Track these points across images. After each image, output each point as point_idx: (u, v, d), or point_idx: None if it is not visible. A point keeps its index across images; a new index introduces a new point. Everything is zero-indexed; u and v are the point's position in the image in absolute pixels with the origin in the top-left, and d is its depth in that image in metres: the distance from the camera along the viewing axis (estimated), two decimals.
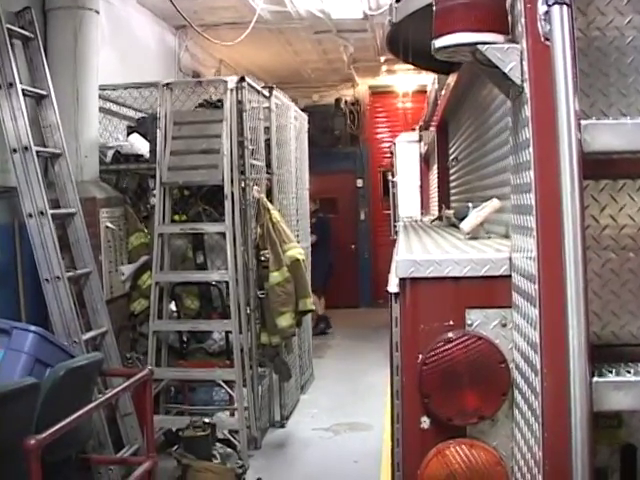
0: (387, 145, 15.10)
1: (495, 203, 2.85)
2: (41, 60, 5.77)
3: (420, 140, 9.64)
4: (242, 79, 6.81)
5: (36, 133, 5.57)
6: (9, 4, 5.68)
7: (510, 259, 2.20)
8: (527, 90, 1.87)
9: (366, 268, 15.71)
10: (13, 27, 5.52)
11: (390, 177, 12.17)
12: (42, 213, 5.21)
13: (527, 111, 1.88)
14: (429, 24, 2.31)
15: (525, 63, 1.88)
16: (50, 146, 5.72)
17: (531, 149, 1.86)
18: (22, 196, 5.21)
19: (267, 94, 7.64)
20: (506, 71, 1.90)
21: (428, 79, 13.37)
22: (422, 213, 9.97)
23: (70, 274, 5.40)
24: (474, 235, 2.97)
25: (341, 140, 15.58)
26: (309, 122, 10.06)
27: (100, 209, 6.36)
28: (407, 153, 10.59)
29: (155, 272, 6.57)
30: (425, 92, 12.54)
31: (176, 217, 6.94)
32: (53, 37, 6.41)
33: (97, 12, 6.69)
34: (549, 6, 1.78)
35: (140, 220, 7.04)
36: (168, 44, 10.23)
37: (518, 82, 1.90)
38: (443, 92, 5.35)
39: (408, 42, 3.89)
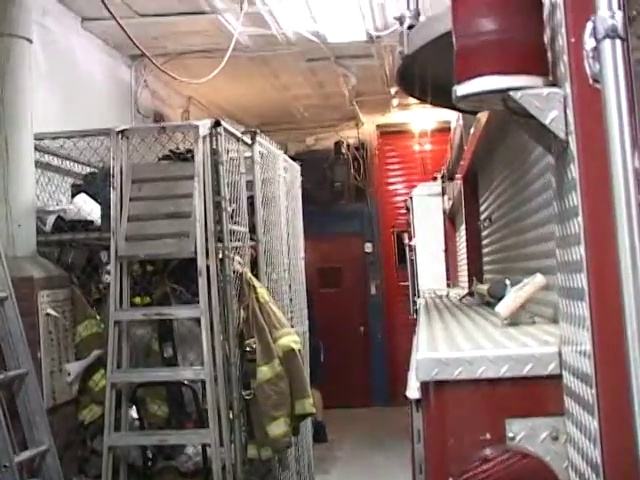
0: (402, 199, 15.15)
1: (539, 280, 2.89)
2: None
3: (443, 193, 9.72)
4: (217, 123, 6.86)
5: None
6: None
7: (560, 354, 2.23)
8: (573, 145, 1.92)
9: (379, 356, 15.66)
10: None
11: (407, 240, 12.21)
12: None
13: (574, 171, 1.93)
14: (450, 53, 2.36)
15: (570, 112, 1.93)
16: None
17: (580, 219, 1.90)
18: None
19: (249, 141, 7.72)
20: (546, 123, 1.95)
21: (450, 115, 13.55)
22: (448, 285, 9.99)
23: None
24: (514, 320, 3.00)
25: (344, 194, 15.68)
26: (303, 173, 10.14)
27: (39, 292, 6.34)
28: (427, 209, 10.67)
29: (111, 371, 6.50)
30: (447, 131, 12.70)
31: (137, 300, 6.92)
32: None
33: (30, 41, 6.77)
34: (598, 40, 1.81)
35: (91, 304, 7.03)
36: (122, 79, 10.39)
37: (562, 136, 1.95)
38: (471, 134, 5.43)
39: (425, 77, 3.98)
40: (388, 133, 16.12)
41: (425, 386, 2.27)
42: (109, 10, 6.22)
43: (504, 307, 2.97)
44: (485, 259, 5.95)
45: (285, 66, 11.39)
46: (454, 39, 2.08)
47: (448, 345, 2.60)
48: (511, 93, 1.96)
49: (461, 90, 2.02)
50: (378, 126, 15.91)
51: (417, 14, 3.72)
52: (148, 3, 8.84)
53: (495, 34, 1.96)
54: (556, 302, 2.97)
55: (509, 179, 4.31)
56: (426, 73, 3.79)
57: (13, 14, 6.59)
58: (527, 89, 1.96)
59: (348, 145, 15.70)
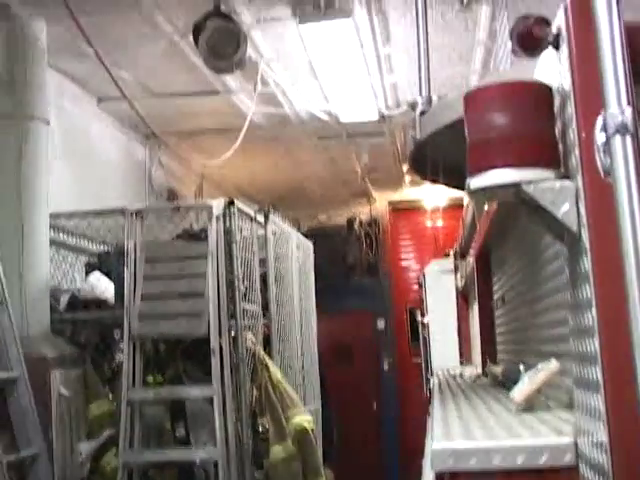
0: (415, 275, 15.16)
1: (553, 366, 2.89)
2: None
3: (456, 270, 9.72)
4: (231, 203, 6.93)
5: None
6: None
7: (576, 445, 2.22)
8: (585, 238, 1.95)
9: (392, 435, 15.48)
10: None
11: (419, 317, 12.17)
12: None
13: (587, 263, 1.95)
14: (461, 138, 2.40)
15: (582, 205, 1.96)
16: None
17: (594, 311, 1.92)
18: None
19: (262, 220, 7.77)
20: (559, 216, 1.98)
21: (463, 192, 13.56)
22: (462, 362, 9.93)
23: (10, 458, 5.36)
24: (528, 405, 3.00)
25: (356, 270, 15.70)
26: (315, 250, 10.18)
27: (51, 371, 6.35)
28: (440, 286, 10.65)
29: (123, 450, 6.49)
30: (459, 207, 12.73)
31: (150, 379, 6.90)
32: None
33: (47, 122, 6.91)
34: (609, 136, 1.85)
35: (103, 383, 7.02)
36: (136, 157, 10.51)
37: (574, 228, 1.98)
38: (483, 214, 5.46)
39: (437, 160, 4.03)
40: (400, 209, 16.18)
41: (440, 477, 2.27)
42: (122, 92, 6.28)
43: (518, 392, 2.97)
44: (499, 339, 5.94)
45: (298, 144, 11.51)
46: (466, 133, 2.12)
47: (463, 433, 2.59)
48: (523, 186, 1.99)
49: (474, 183, 2.06)
50: (390, 202, 15.98)
51: (429, 100, 3.78)
52: (163, 83, 8.97)
53: (507, 128, 2.00)
54: (571, 387, 2.97)
55: (522, 260, 4.33)
56: (438, 157, 3.84)
57: (31, 97, 6.73)
58: (539, 182, 1.99)
59: (360, 221, 15.76)
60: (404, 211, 16.17)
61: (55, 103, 7.99)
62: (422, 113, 3.79)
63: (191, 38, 6.91)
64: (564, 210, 1.99)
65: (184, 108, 9.66)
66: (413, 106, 3.84)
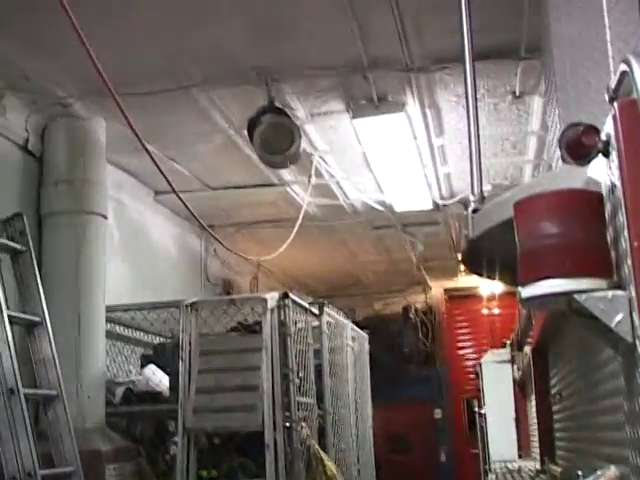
0: (472, 364, 14.98)
1: (612, 473, 2.80)
2: (34, 278, 5.96)
3: (512, 361, 9.58)
4: (285, 295, 6.94)
5: (26, 370, 5.68)
6: None
7: None
8: None
9: None
10: None
11: (477, 407, 11.98)
12: (30, 475, 5.21)
13: None
14: (511, 235, 2.36)
15: (636, 315, 1.93)
16: (43, 386, 5.80)
17: None
18: (4, 454, 5.23)
19: (317, 312, 7.77)
20: (612, 326, 1.95)
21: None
22: (520, 455, 9.73)
23: None
24: None
25: (412, 359, 15.58)
26: (371, 339, 10.15)
27: (106, 465, 6.34)
28: (497, 376, 10.47)
29: None
30: (515, 294, 12.59)
31: (204, 473, 6.85)
32: (50, 248, 6.75)
33: (105, 217, 7.03)
34: None
35: (158, 477, 6.99)
36: (192, 248, 10.61)
37: (629, 339, 1.94)
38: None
39: (490, 258, 4.00)
40: (456, 297, 16.09)
41: None
42: (174, 191, 6.39)
43: None
44: (557, 435, 5.81)
45: (352, 234, 11.57)
46: (517, 242, 2.11)
47: None
48: (575, 296, 1.96)
49: (525, 293, 2.04)
50: (446, 290, 15.92)
51: (482, 198, 3.77)
52: (218, 177, 9.11)
53: (558, 238, 1.99)
54: None
55: (578, 358, 4.24)
56: (492, 255, 3.81)
57: (90, 193, 6.87)
58: (591, 292, 1.96)
59: (416, 309, 15.70)
60: (460, 299, 16.08)
61: (113, 196, 8.15)
62: (474, 211, 3.77)
63: (246, 132, 7.00)
64: (617, 320, 1.95)
65: (240, 200, 9.78)
66: (465, 204, 3.83)
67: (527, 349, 7.39)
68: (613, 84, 2.15)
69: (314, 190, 9.27)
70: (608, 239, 2.07)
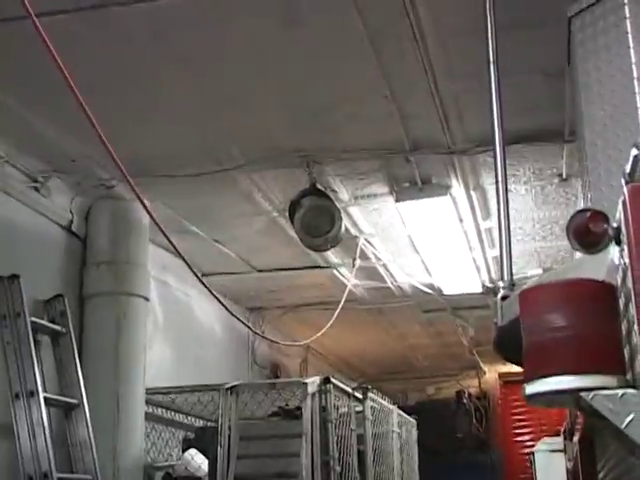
0: (528, 451, 14.63)
1: None
2: (73, 359, 5.99)
3: (565, 451, 9.30)
4: (326, 380, 6.83)
5: (61, 454, 5.64)
6: (38, 290, 6.03)
7: None
8: None
9: None
10: (40, 320, 5.80)
11: None
12: None
13: None
14: None
15: None
16: (79, 470, 5.77)
17: None
18: None
19: (360, 396, 7.63)
20: (622, 427, 1.81)
21: None
22: None
23: None
24: None
25: (466, 445, 15.22)
26: (423, 424, 9.96)
27: None
28: (550, 466, 10.19)
29: None
30: None
31: None
32: (90, 329, 6.76)
33: (147, 299, 7.03)
34: None
35: None
36: (240, 331, 10.53)
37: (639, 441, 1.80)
38: None
39: (521, 346, 3.86)
40: (511, 382, 15.70)
41: None
42: (194, 276, 6.37)
43: None
44: None
45: (402, 317, 11.45)
46: (523, 334, 1.99)
47: None
48: (582, 394, 1.83)
49: (530, 389, 1.91)
50: (500, 375, 15.61)
51: (511, 285, 3.67)
52: (264, 258, 9.08)
53: (564, 331, 1.87)
54: None
55: (621, 450, 4.05)
56: (521, 343, 3.68)
57: (132, 275, 6.89)
58: (600, 390, 1.83)
59: (469, 394, 15.42)
60: (515, 384, 15.69)
61: (158, 278, 8.16)
62: (503, 298, 3.67)
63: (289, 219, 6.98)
64: (628, 420, 1.82)
65: (286, 282, 9.73)
66: (494, 291, 3.73)
67: (575, 439, 7.15)
68: (628, 168, 2.05)
69: (361, 273, 9.20)
70: (622, 334, 1.95)
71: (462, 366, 14.81)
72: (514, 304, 3.47)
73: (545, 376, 1.88)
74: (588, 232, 1.93)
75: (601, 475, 5.75)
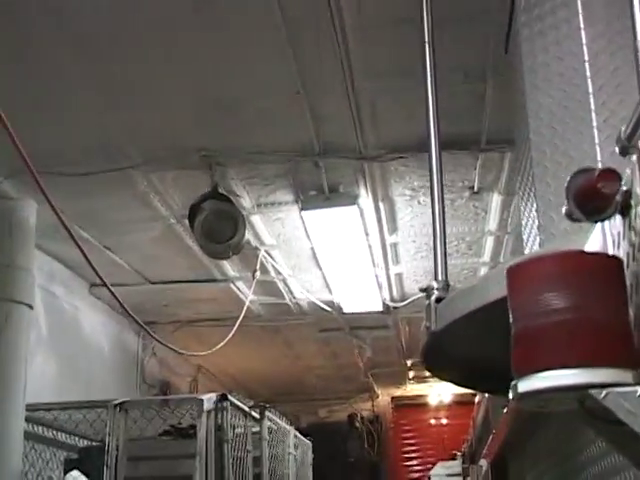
0: (418, 475, 14.53)
1: None
2: None
3: (464, 475, 9.07)
4: (223, 397, 6.40)
5: None
6: None
7: None
8: None
9: None
10: None
11: None
12: None
13: None
14: (484, 330, 2.03)
15: None
16: None
17: None
18: None
19: (257, 416, 7.21)
20: None
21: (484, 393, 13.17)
22: None
23: None
24: None
25: (356, 469, 14.97)
26: (314, 446, 9.57)
27: None
28: None
29: None
30: (465, 404, 12.24)
31: None
32: None
33: (30, 307, 6.48)
34: None
35: None
36: (129, 346, 10.05)
37: None
38: (502, 415, 4.92)
39: (455, 356, 3.50)
40: (404, 406, 15.69)
41: None
42: (110, 289, 5.90)
43: None
44: None
45: (298, 335, 11.12)
46: (512, 320, 1.60)
47: None
48: (591, 392, 1.45)
49: (524, 386, 1.50)
50: (393, 398, 15.50)
51: (446, 285, 3.30)
52: (158, 270, 8.62)
53: (567, 314, 1.48)
54: None
55: (553, 473, 3.75)
56: (456, 352, 3.32)
57: (15, 279, 6.33)
58: (613, 386, 1.45)
59: (362, 418, 15.22)
60: (408, 407, 15.69)
61: (43, 287, 7.67)
62: (438, 300, 3.29)
63: (187, 220, 6.54)
64: None
65: (181, 295, 9.30)
66: (428, 292, 3.35)
67: (483, 462, 6.91)
68: (628, 130, 1.69)
69: (259, 288, 8.82)
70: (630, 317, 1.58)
71: (356, 389, 14.56)
72: (450, 307, 3.11)
73: (542, 369, 1.49)
74: (595, 194, 1.57)
75: None
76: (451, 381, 3.87)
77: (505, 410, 4.76)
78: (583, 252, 1.64)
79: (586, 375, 1.45)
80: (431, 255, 8.16)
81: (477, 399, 8.53)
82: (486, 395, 6.46)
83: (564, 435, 3.37)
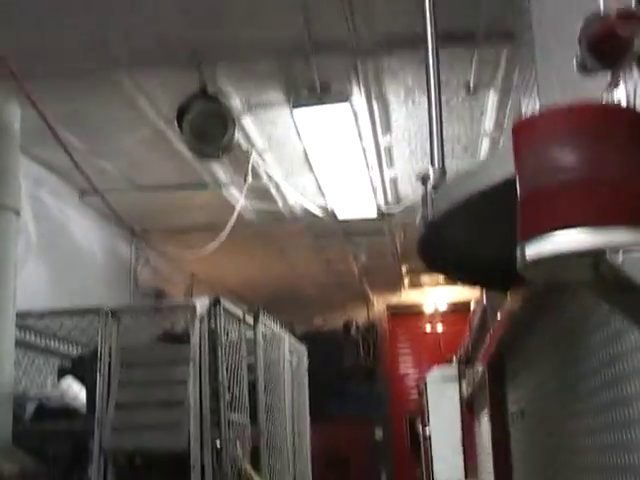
0: (413, 382, 14.59)
1: None
2: None
3: (460, 378, 9.06)
4: (216, 301, 6.32)
5: None
6: None
7: None
8: None
9: None
10: None
11: (420, 427, 11.50)
12: None
13: None
14: (483, 219, 1.97)
15: None
16: None
17: None
18: None
19: (251, 321, 7.14)
20: None
21: (466, 293, 13.12)
22: (467, 475, 9.29)
23: None
24: None
25: (352, 377, 15.05)
26: (310, 355, 9.54)
27: None
28: (443, 394, 10.02)
29: None
30: (460, 312, 12.23)
31: None
32: None
33: (17, 213, 6.35)
34: None
35: None
36: (121, 255, 9.94)
37: None
38: (499, 314, 4.82)
39: (452, 246, 3.36)
40: (399, 314, 15.72)
41: None
42: (100, 193, 5.74)
43: None
44: (515, 455, 5.22)
45: (292, 243, 11.01)
46: (518, 179, 1.45)
47: None
48: (608, 255, 1.31)
49: (533, 250, 1.36)
50: (389, 306, 15.50)
51: (443, 172, 3.15)
52: (148, 175, 8.44)
53: (582, 170, 1.33)
54: None
55: (550, 370, 3.65)
56: (454, 243, 3.18)
57: (1, 185, 6.19)
58: (632, 249, 1.30)
59: (357, 326, 15.24)
60: (403, 315, 15.71)
61: (33, 194, 7.56)
62: (435, 187, 3.13)
63: (176, 121, 6.36)
64: None
65: (172, 202, 9.17)
66: (424, 179, 3.19)
67: (479, 364, 6.85)
68: None
69: (251, 193, 8.68)
70: None
71: (351, 296, 14.53)
72: (448, 194, 2.96)
73: (552, 230, 1.34)
74: (611, 38, 1.41)
75: (512, 398, 5.43)
76: (448, 275, 3.75)
77: (501, 310, 4.68)
78: (598, 104, 1.48)
79: (603, 235, 1.31)
80: (426, 159, 7.89)
81: (473, 306, 8.49)
82: (484, 297, 6.37)
83: (564, 332, 3.26)
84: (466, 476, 9.28)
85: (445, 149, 7.69)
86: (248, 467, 6.38)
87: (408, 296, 14.88)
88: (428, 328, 15.46)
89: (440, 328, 15.26)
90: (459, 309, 13.46)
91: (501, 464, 5.50)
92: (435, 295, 14.53)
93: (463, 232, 3.16)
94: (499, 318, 4.89)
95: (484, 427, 6.88)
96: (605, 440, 2.65)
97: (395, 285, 14.12)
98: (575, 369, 3.05)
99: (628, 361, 2.33)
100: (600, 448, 2.71)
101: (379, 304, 15.35)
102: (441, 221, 2.97)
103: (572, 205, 1.33)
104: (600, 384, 2.69)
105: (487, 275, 3.63)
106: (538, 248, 1.36)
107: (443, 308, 14.99)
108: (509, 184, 1.56)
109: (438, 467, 9.89)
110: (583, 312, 2.95)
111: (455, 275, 3.76)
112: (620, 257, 1.31)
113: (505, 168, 1.70)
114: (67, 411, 6.54)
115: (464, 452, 9.66)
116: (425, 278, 13.77)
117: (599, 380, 2.70)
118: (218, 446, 6.14)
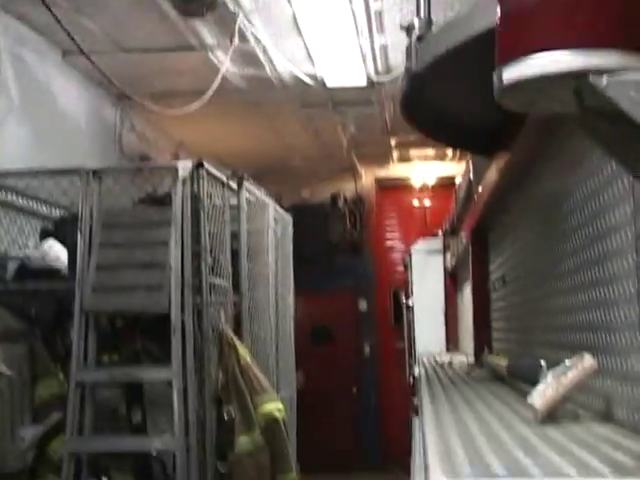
0: (400, 256, 14.61)
1: (588, 364, 2.14)
2: None
3: (445, 250, 9.05)
4: (199, 165, 6.21)
5: None
6: None
7: None
8: None
9: (372, 420, 14.84)
10: None
11: (403, 299, 11.57)
12: None
13: None
14: (470, 70, 1.95)
15: None
16: None
17: None
18: None
19: (235, 187, 7.03)
20: None
21: (455, 168, 13.06)
22: (448, 349, 9.38)
23: None
24: (551, 414, 2.25)
25: (339, 249, 15.04)
26: (296, 225, 9.46)
27: None
28: (427, 266, 10.08)
29: (70, 437, 5.81)
30: (448, 186, 12.15)
31: (105, 357, 6.26)
32: None
33: None
34: None
35: (55, 362, 6.34)
36: (106, 119, 9.75)
37: None
38: (483, 182, 4.75)
39: (436, 101, 3.26)
40: (387, 187, 15.62)
41: None
42: (84, 53, 5.53)
43: (541, 398, 2.21)
44: (495, 325, 5.23)
45: (280, 111, 10.79)
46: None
47: (470, 458, 1.82)
48: (591, 78, 1.21)
49: (510, 73, 1.26)
50: (377, 179, 15.40)
51: (429, 23, 3.02)
52: (133, 36, 8.18)
53: None
54: (608, 393, 2.24)
55: (532, 235, 3.60)
56: (438, 98, 3.07)
57: None
58: (616, 72, 1.20)
59: (345, 198, 15.13)
60: (391, 189, 15.65)
61: (13, 53, 7.36)
62: (419, 38, 3.01)
63: None
64: None
65: (157, 65, 8.91)
66: (409, 29, 3.06)
67: (464, 234, 6.83)
68: None
69: (239, 58, 8.46)
70: None
71: (339, 168, 14.36)
72: (433, 44, 2.83)
73: (532, 52, 1.24)
74: None
75: (494, 266, 5.40)
76: (430, 135, 3.64)
77: (486, 177, 4.60)
78: None
79: (586, 57, 1.20)
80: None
81: (459, 179, 8.42)
82: (470, 169, 6.29)
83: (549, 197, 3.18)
84: (447, 350, 9.37)
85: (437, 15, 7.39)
86: (229, 332, 6.38)
87: (396, 170, 14.75)
88: (416, 202, 15.38)
89: (428, 202, 15.21)
90: (447, 184, 13.37)
91: (481, 330, 5.52)
92: (424, 169, 14.40)
93: (446, 87, 3.05)
94: (482, 189, 4.82)
95: (467, 297, 6.89)
96: (580, 299, 2.61)
97: (384, 158, 13.97)
98: (555, 230, 2.99)
99: (608, 217, 2.27)
100: (576, 307, 2.66)
101: (367, 177, 15.22)
102: (425, 73, 2.85)
103: (554, 25, 1.22)
104: (580, 243, 2.63)
105: (469, 138, 3.54)
106: (516, 71, 1.25)
107: (431, 183, 14.89)
108: (491, 34, 1.45)
109: (420, 339, 9.98)
110: (564, 177, 2.88)
111: (437, 136, 3.66)
112: (604, 81, 1.21)
113: (488, 18, 1.59)
114: (49, 272, 6.49)
115: (446, 324, 9.74)
116: (414, 152, 13.62)
117: (579, 239, 2.64)
118: (199, 310, 6.14)
